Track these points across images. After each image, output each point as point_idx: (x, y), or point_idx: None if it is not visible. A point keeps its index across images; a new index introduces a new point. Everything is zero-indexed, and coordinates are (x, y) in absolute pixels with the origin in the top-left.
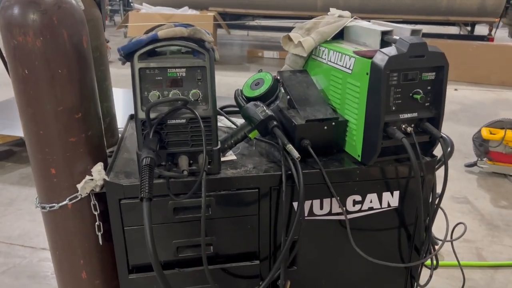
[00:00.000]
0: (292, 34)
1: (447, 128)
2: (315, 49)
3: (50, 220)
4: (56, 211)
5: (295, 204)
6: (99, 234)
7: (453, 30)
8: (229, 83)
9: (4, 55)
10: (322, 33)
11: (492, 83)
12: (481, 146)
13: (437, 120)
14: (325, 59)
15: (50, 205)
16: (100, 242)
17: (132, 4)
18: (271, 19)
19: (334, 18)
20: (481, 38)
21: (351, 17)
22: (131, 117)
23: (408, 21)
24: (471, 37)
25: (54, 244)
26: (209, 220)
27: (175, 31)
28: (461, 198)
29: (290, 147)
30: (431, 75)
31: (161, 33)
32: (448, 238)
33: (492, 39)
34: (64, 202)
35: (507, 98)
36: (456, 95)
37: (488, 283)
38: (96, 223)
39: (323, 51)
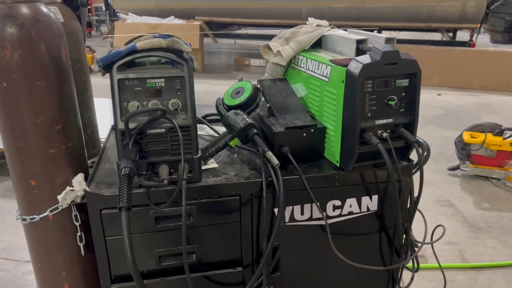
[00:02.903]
0: (271, 43)
1: (431, 132)
2: (294, 58)
3: (31, 232)
4: (37, 222)
5: (276, 210)
6: (81, 245)
7: (436, 36)
8: (216, 91)
9: None
10: (300, 42)
11: (475, 88)
12: (463, 149)
13: (412, 125)
14: (303, 67)
15: (31, 216)
16: (82, 253)
17: (118, 14)
18: (257, 28)
19: (312, 27)
20: (462, 44)
21: (329, 26)
22: (113, 127)
23: (391, 28)
24: (453, 43)
25: (36, 256)
26: (190, 228)
27: (153, 43)
28: (444, 201)
29: (269, 154)
30: (404, 82)
31: (139, 44)
32: (428, 240)
33: (473, 45)
34: (45, 214)
35: (488, 102)
36: (440, 100)
37: (471, 285)
38: (78, 233)
39: (302, 59)
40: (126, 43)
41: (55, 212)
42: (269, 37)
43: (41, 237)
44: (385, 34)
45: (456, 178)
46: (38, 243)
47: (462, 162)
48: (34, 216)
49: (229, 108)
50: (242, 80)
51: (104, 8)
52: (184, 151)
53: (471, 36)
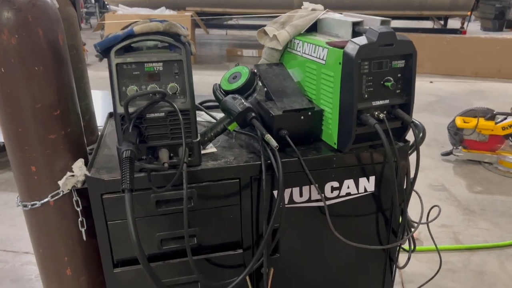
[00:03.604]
0: (267, 28)
1: (424, 119)
2: (290, 42)
3: (32, 218)
4: (38, 208)
5: (275, 193)
6: (83, 230)
7: (428, 24)
8: (209, 82)
9: None
10: (296, 26)
11: (466, 75)
12: (456, 135)
13: (408, 106)
14: (300, 51)
15: (32, 203)
16: (84, 238)
17: (108, 6)
18: (249, 18)
19: (308, 12)
20: (454, 31)
21: (324, 10)
22: (110, 115)
23: (383, 16)
24: (444, 30)
25: (37, 242)
26: (191, 211)
27: (151, 26)
28: (438, 186)
29: (268, 137)
30: (400, 63)
31: (136, 28)
32: (424, 221)
33: (464, 32)
34: (46, 199)
35: (480, 88)
36: (432, 87)
37: (465, 265)
38: (79, 219)
39: (298, 43)
40: (122, 28)
41: (56, 197)
42: (261, 27)
43: (42, 223)
44: None
45: (449, 163)
46: (40, 229)
47: (455, 147)
48: (35, 202)
49: (227, 93)
50: (239, 65)
51: (93, 0)
52: (186, 134)
53: (462, 24)
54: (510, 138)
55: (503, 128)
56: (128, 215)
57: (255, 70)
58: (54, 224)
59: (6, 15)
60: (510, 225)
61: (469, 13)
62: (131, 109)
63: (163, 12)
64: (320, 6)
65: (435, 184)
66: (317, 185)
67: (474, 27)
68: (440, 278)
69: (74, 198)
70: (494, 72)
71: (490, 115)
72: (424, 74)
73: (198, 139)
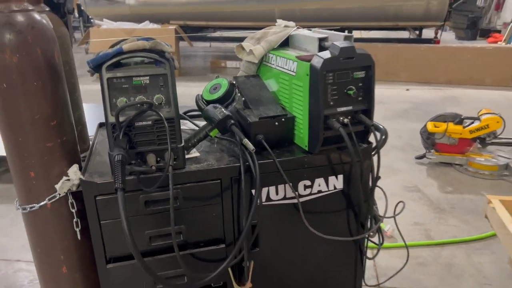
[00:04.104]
0: (244, 43)
1: (400, 125)
2: (265, 56)
3: (30, 220)
4: (36, 211)
5: (254, 192)
6: (77, 230)
7: (404, 34)
8: (193, 93)
9: None
10: (270, 41)
11: (440, 82)
12: (428, 139)
13: (369, 111)
14: (274, 64)
15: (31, 205)
16: (79, 237)
17: (92, 21)
18: (232, 30)
19: (281, 28)
20: (428, 41)
21: (295, 27)
22: (100, 125)
23: (361, 28)
24: (419, 40)
25: (35, 243)
26: (177, 210)
27: (138, 44)
28: (412, 187)
29: (246, 141)
30: (361, 74)
31: (125, 46)
32: (390, 217)
33: (438, 42)
34: (44, 202)
35: (453, 95)
36: (408, 94)
37: (436, 259)
38: (74, 220)
39: (272, 57)
40: (111, 46)
41: (53, 200)
42: (244, 39)
43: (40, 224)
44: (355, 33)
45: (422, 166)
46: (37, 230)
47: (427, 151)
48: (34, 205)
49: (208, 102)
50: (219, 77)
51: (77, 15)
52: (171, 140)
53: (436, 33)
54: (478, 141)
55: (471, 132)
56: (121, 211)
57: (234, 82)
58: (51, 225)
59: (8, 36)
60: (478, 222)
61: (443, 23)
62: (121, 118)
63: (147, 26)
64: (292, 23)
65: (409, 185)
66: (291, 184)
67: (450, 37)
68: (411, 271)
69: (70, 201)
70: (466, 79)
71: (458, 119)
72: (400, 82)
73: (182, 144)
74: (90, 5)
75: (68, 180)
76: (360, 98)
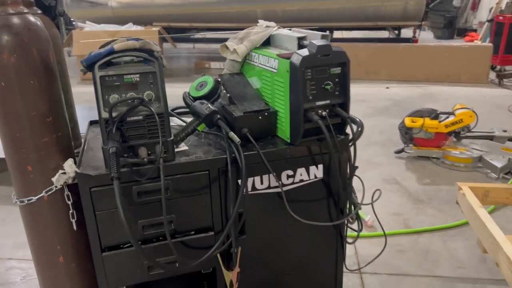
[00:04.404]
0: (228, 43)
1: (380, 122)
2: (248, 55)
3: (28, 212)
4: (34, 203)
5: (240, 182)
6: (73, 221)
7: (384, 34)
8: (178, 94)
9: None
10: (253, 41)
11: (419, 80)
12: (406, 134)
13: (345, 105)
14: (256, 62)
15: (28, 198)
16: (74, 228)
17: (74, 23)
18: (215, 31)
19: (262, 28)
20: (407, 40)
21: (276, 27)
22: (91, 123)
23: (342, 28)
24: (398, 39)
25: (32, 234)
26: (168, 200)
27: (128, 44)
28: (391, 180)
29: (231, 134)
30: (337, 70)
31: (116, 46)
32: (368, 204)
33: (416, 41)
34: (41, 195)
35: (431, 92)
36: (388, 92)
37: (413, 246)
38: (70, 211)
39: (255, 56)
40: (101, 47)
41: (49, 193)
42: (227, 40)
43: (37, 216)
44: (337, 33)
45: (401, 160)
46: (35, 222)
47: (406, 145)
48: (31, 197)
49: (195, 99)
50: (205, 75)
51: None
52: (162, 134)
53: (414, 33)
54: (453, 134)
55: (446, 126)
56: (117, 199)
57: (219, 79)
58: (48, 217)
59: (6, 38)
60: (453, 211)
61: (421, 23)
62: (114, 114)
63: (130, 28)
64: (273, 23)
65: (388, 178)
66: (274, 173)
67: (428, 36)
68: (391, 258)
69: (66, 193)
70: (443, 76)
71: (434, 114)
72: (380, 80)
73: (171, 138)
74: (72, 7)
75: (64, 173)
76: (337, 93)
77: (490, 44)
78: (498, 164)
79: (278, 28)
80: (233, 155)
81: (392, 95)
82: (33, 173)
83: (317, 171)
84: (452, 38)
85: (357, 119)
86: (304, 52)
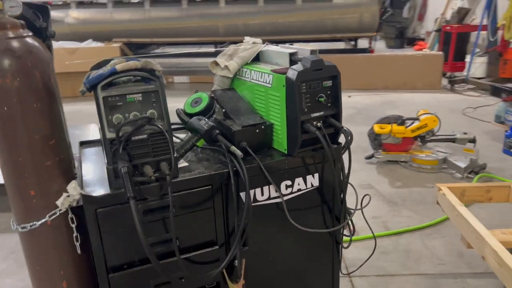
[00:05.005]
0: (218, 59)
1: None
2: (239, 71)
3: (29, 238)
4: (36, 229)
5: (241, 194)
6: (77, 244)
7: (341, 45)
8: None
9: None
10: (243, 57)
11: (378, 88)
12: (375, 140)
13: (338, 116)
14: (248, 78)
15: (31, 224)
16: (79, 252)
17: None
18: (176, 46)
19: (250, 45)
20: (364, 50)
21: (263, 43)
22: (81, 144)
23: (302, 40)
24: (355, 50)
25: (34, 261)
26: (176, 216)
27: (130, 65)
28: (365, 185)
29: (233, 148)
30: (329, 83)
31: (118, 66)
32: (359, 209)
33: (372, 51)
34: (44, 220)
35: (391, 99)
36: (350, 101)
37: (395, 247)
38: (74, 234)
39: (246, 71)
40: (93, 68)
41: (53, 217)
42: (190, 55)
43: (39, 242)
44: (296, 46)
45: (372, 165)
46: (37, 248)
47: (375, 151)
48: (34, 223)
49: (190, 115)
50: (198, 92)
51: None
52: (166, 151)
53: (370, 43)
54: (418, 139)
55: (412, 131)
56: (135, 217)
57: (213, 95)
58: (50, 242)
59: (9, 62)
60: (427, 211)
61: (374, 34)
62: (120, 133)
63: (90, 44)
64: (259, 40)
65: (363, 183)
66: (275, 185)
67: (381, 46)
68: (376, 260)
69: (70, 216)
70: (400, 84)
71: (400, 120)
72: (343, 89)
73: (176, 155)
74: None
75: (69, 196)
76: (329, 104)
77: (441, 53)
78: (462, 165)
79: (267, 44)
80: (234, 168)
81: (354, 103)
82: (35, 198)
83: (313, 180)
84: (403, 47)
85: (346, 129)
86: (299, 67)
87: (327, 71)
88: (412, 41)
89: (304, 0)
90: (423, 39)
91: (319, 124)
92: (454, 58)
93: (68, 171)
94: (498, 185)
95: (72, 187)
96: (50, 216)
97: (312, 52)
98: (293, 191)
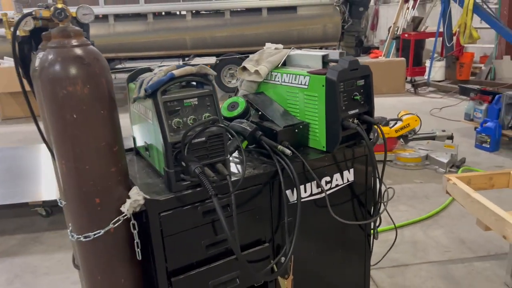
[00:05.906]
0: (247, 65)
1: None
2: (268, 75)
3: (91, 248)
4: (100, 237)
5: (287, 192)
6: (138, 250)
7: None
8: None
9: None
10: (273, 62)
11: None
12: None
13: (371, 113)
14: (278, 81)
15: (95, 232)
16: (139, 258)
17: None
18: (141, 60)
19: (273, 50)
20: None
21: (282, 48)
22: None
23: None
24: None
25: (95, 271)
26: (228, 217)
27: (187, 70)
28: None
29: (281, 147)
30: (362, 82)
31: (176, 72)
32: (386, 201)
33: None
34: (108, 227)
35: None
36: None
37: (401, 239)
38: (135, 240)
39: (276, 75)
40: (130, 78)
41: (117, 224)
42: (150, 68)
43: (102, 250)
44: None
45: None
46: (100, 257)
47: None
48: (99, 231)
49: (229, 119)
50: (232, 96)
51: None
52: (221, 153)
53: None
54: (401, 139)
55: (396, 131)
56: (220, 214)
57: (246, 99)
58: (113, 249)
59: (79, 69)
60: (421, 204)
61: (337, 43)
62: (178, 137)
63: None
64: (280, 46)
65: None
66: (318, 181)
67: None
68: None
69: (132, 222)
70: None
71: (384, 122)
72: None
73: (229, 157)
74: None
75: (134, 201)
76: (362, 102)
77: (403, 59)
78: (444, 160)
79: (293, 49)
80: (282, 167)
81: None
82: (100, 205)
83: (349, 175)
84: (359, 55)
85: (379, 126)
86: (338, 67)
87: (361, 71)
88: (367, 50)
89: (269, 11)
90: (377, 48)
91: (355, 121)
92: (414, 64)
93: (127, 177)
94: (499, 172)
95: (135, 193)
96: (114, 223)
97: (341, 54)
98: (331, 186)
